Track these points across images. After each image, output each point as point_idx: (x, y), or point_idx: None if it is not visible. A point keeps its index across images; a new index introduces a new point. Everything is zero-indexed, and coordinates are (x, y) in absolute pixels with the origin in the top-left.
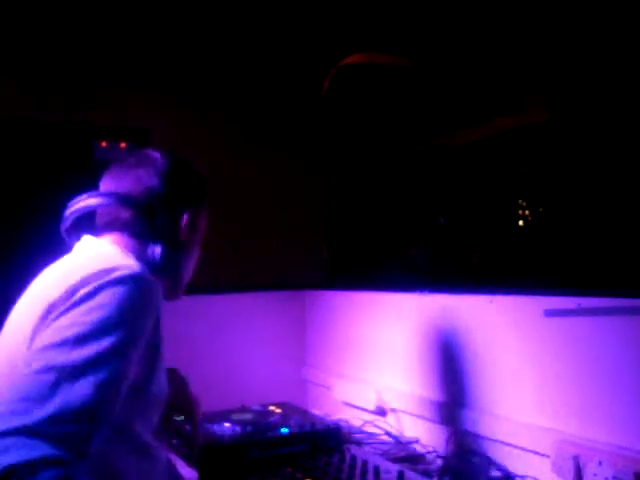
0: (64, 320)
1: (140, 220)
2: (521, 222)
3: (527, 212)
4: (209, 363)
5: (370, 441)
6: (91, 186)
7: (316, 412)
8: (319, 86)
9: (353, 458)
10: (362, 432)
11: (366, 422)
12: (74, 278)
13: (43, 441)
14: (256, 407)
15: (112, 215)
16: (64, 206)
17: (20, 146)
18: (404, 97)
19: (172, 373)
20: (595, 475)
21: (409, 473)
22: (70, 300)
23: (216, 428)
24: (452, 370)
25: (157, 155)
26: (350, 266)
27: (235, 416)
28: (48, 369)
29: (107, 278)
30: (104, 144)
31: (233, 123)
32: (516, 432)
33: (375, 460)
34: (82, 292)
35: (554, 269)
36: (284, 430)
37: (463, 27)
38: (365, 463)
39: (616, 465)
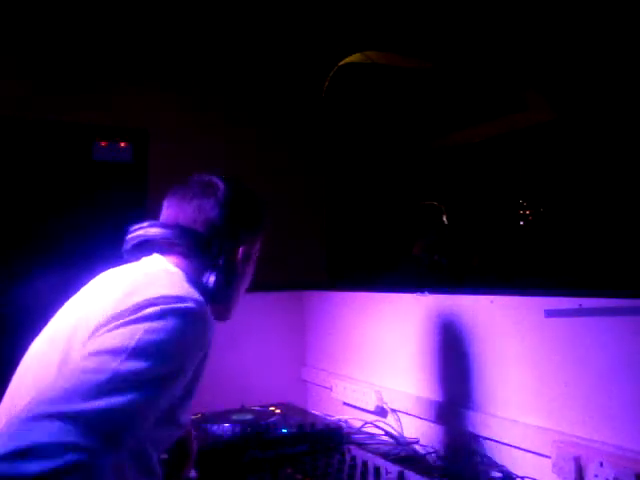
0: (126, 331)
1: (197, 250)
2: (522, 222)
3: (528, 212)
4: (209, 363)
5: (370, 441)
6: (91, 187)
7: (316, 412)
8: (319, 86)
9: (353, 459)
10: (362, 432)
11: (366, 422)
12: (142, 296)
13: (77, 430)
14: (256, 407)
15: (171, 243)
16: (124, 229)
17: (19, 146)
18: (404, 97)
19: None
20: (596, 476)
21: (409, 473)
22: (136, 314)
23: (216, 428)
24: (452, 370)
25: (221, 186)
26: (350, 266)
27: (235, 416)
28: (99, 371)
29: (175, 305)
30: (103, 144)
31: (233, 123)
32: (516, 432)
33: (375, 460)
34: (149, 311)
35: (555, 269)
36: (284, 430)
37: (464, 27)
38: (365, 463)
39: (617, 466)
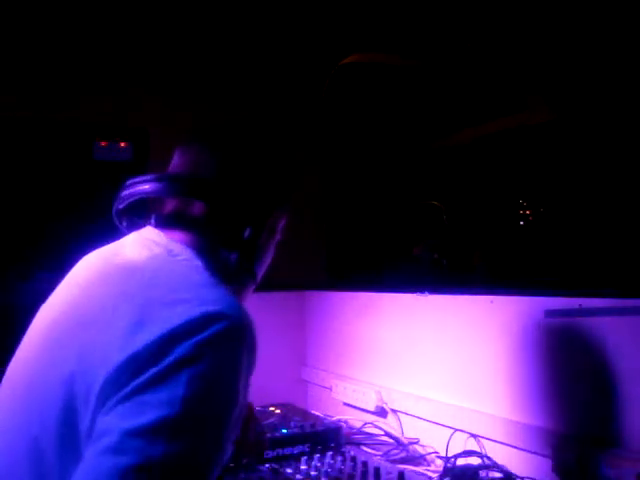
0: (158, 392)
1: (213, 218)
2: (522, 222)
3: (528, 212)
4: None
5: (370, 442)
6: (91, 187)
7: (316, 412)
8: (319, 86)
9: (353, 459)
10: (362, 433)
11: (366, 423)
12: (163, 322)
13: None
14: (256, 407)
15: (179, 207)
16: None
17: (19, 145)
18: (404, 97)
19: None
20: (596, 476)
21: (409, 474)
22: (163, 358)
23: None
24: (451, 370)
25: (250, 137)
26: (350, 266)
27: None
28: (139, 466)
29: (214, 329)
30: (103, 143)
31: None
32: (516, 432)
33: (375, 461)
34: (183, 349)
35: (555, 269)
36: (284, 430)
37: (464, 26)
38: (365, 464)
39: (617, 466)
